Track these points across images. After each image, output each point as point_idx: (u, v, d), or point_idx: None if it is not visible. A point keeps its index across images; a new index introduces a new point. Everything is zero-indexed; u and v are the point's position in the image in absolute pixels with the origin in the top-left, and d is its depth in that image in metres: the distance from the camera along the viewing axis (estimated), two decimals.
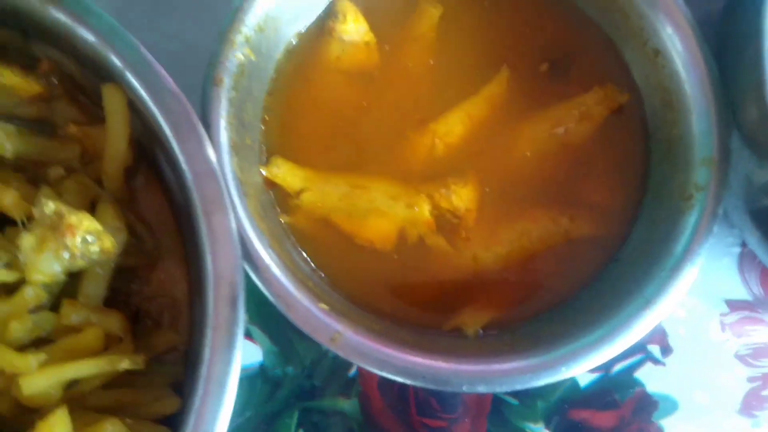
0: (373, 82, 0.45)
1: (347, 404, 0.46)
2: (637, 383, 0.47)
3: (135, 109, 0.38)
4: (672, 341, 0.48)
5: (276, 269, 0.37)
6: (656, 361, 0.48)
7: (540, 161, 0.44)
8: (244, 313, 0.35)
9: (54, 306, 0.36)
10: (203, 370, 0.32)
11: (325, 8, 0.46)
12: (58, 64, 0.41)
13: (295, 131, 0.44)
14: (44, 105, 0.41)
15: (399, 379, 0.36)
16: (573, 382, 0.47)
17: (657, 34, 0.43)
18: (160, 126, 0.37)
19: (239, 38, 0.41)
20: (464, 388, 0.36)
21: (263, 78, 0.44)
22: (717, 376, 0.48)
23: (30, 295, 0.34)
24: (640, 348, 0.48)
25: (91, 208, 0.38)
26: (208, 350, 0.33)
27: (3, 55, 0.40)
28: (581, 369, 0.37)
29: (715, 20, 0.46)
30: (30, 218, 0.35)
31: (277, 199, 0.43)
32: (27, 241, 0.34)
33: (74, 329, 0.35)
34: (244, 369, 0.46)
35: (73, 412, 0.32)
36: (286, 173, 0.43)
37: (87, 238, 0.35)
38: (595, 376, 0.47)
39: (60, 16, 0.37)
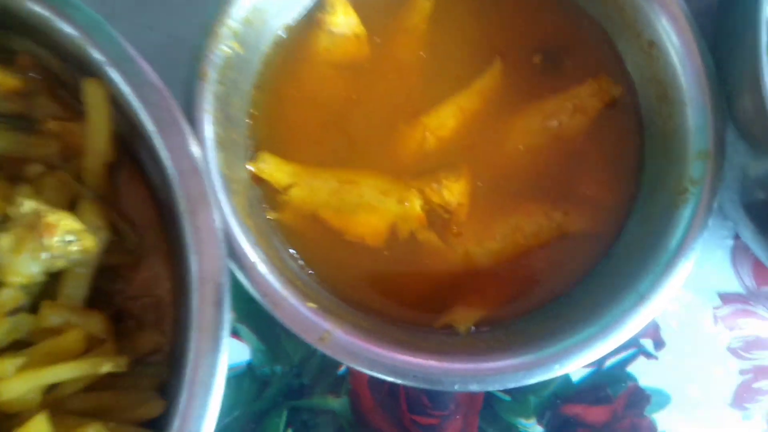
0: (363, 75, 0.44)
1: (337, 403, 0.45)
2: (629, 377, 0.47)
3: (117, 104, 0.37)
4: (665, 335, 0.48)
5: (263, 267, 0.37)
6: (649, 355, 0.47)
7: (533, 155, 0.43)
8: (231, 312, 0.34)
9: (33, 307, 0.35)
10: (188, 374, 0.32)
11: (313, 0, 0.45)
12: (37, 58, 0.39)
13: (283, 125, 0.43)
14: (23, 100, 0.40)
15: (389, 379, 0.36)
16: (565, 377, 0.47)
17: (651, 25, 0.42)
18: (142, 122, 0.35)
19: (226, 31, 0.40)
20: (456, 387, 0.36)
21: (250, 71, 0.43)
22: (709, 370, 0.48)
23: (7, 297, 0.33)
24: (632, 342, 0.48)
25: (72, 206, 0.37)
26: (193, 353, 0.32)
27: None
28: (575, 366, 0.36)
29: (712, 11, 0.45)
30: (7, 217, 0.34)
31: (264, 196, 0.42)
32: (4, 241, 0.33)
33: (54, 331, 0.34)
34: (231, 368, 0.45)
35: (53, 417, 0.31)
36: (273, 168, 0.42)
37: (67, 237, 0.34)
38: (587, 370, 0.47)
39: (38, 9, 0.36)
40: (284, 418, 0.45)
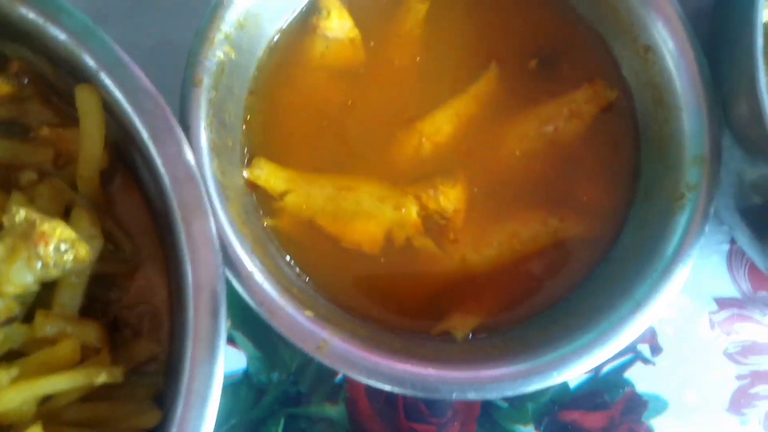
0: (358, 79, 0.44)
1: (334, 410, 0.45)
2: (626, 383, 0.47)
3: (110, 110, 0.36)
4: (661, 340, 0.48)
5: (259, 276, 0.36)
6: (646, 361, 0.47)
7: (529, 160, 0.43)
8: (226, 320, 0.34)
9: (27, 317, 0.34)
10: (184, 384, 0.31)
11: (308, 3, 0.44)
12: (30, 64, 0.39)
13: (278, 131, 0.43)
14: (15, 106, 0.39)
15: (387, 388, 0.35)
16: (562, 383, 0.47)
17: (647, 30, 0.42)
18: (136, 128, 0.35)
19: (219, 36, 0.39)
20: (454, 396, 0.35)
21: (244, 76, 0.42)
22: (706, 375, 0.48)
23: (1, 307, 0.33)
24: (629, 348, 0.47)
25: (66, 214, 0.37)
26: (189, 363, 0.31)
27: None
28: (573, 374, 0.36)
29: (707, 15, 0.45)
30: (0, 226, 0.33)
31: (260, 202, 0.42)
32: None
33: (49, 341, 0.34)
34: (227, 376, 0.45)
35: (48, 428, 0.31)
36: (269, 175, 0.42)
37: (61, 246, 0.33)
38: (584, 377, 0.47)
39: (29, 15, 0.35)
40: (281, 426, 0.45)
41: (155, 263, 0.40)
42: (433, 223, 0.42)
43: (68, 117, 0.39)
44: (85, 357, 0.35)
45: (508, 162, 0.43)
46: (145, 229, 0.40)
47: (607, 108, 0.44)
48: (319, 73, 0.44)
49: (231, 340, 0.45)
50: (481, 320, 0.41)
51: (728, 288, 0.49)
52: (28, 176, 0.37)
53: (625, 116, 0.44)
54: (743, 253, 0.49)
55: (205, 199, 0.34)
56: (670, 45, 0.41)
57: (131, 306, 0.39)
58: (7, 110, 0.39)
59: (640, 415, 0.47)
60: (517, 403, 0.46)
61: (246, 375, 0.45)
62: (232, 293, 0.35)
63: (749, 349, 0.48)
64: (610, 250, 0.42)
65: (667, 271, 0.38)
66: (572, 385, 0.47)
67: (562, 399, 0.46)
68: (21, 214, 0.33)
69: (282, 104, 0.43)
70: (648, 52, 0.42)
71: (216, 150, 0.38)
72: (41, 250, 0.33)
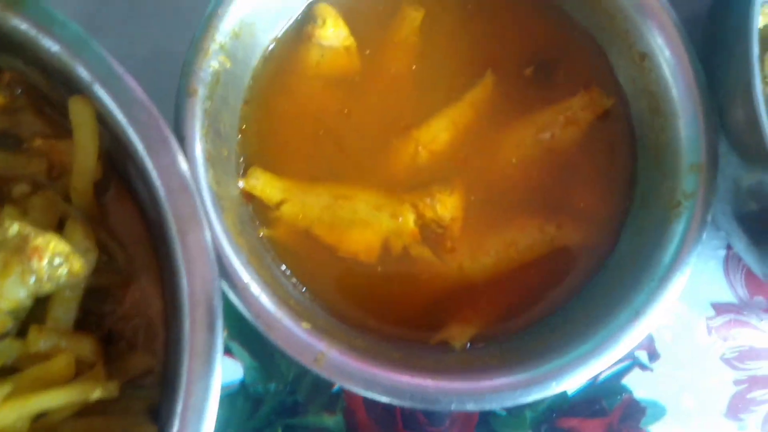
0: (354, 88, 0.44)
1: (332, 420, 0.45)
2: (624, 390, 0.47)
3: (104, 121, 0.36)
4: (659, 346, 0.48)
5: (255, 288, 0.36)
6: (644, 367, 0.47)
7: (526, 168, 0.43)
8: (223, 332, 0.33)
9: (20, 332, 0.34)
10: (180, 399, 0.31)
11: (303, 12, 0.44)
12: (22, 75, 0.39)
13: (274, 140, 0.43)
14: (8, 117, 0.39)
15: (386, 400, 0.35)
16: None
17: (643, 37, 0.42)
18: (130, 140, 0.35)
19: (213, 46, 0.39)
20: (453, 407, 0.35)
21: (239, 86, 0.42)
22: (704, 380, 0.48)
23: None
24: (627, 354, 0.47)
25: (59, 226, 0.36)
26: (185, 378, 0.31)
27: None
28: (572, 383, 0.36)
29: (702, 20, 0.45)
30: None
31: (256, 213, 0.41)
32: None
33: (43, 356, 0.33)
34: (224, 387, 0.44)
35: None
36: (264, 184, 0.41)
37: (54, 260, 0.33)
38: (582, 383, 0.47)
39: (21, 26, 0.35)
40: None
41: (150, 274, 0.39)
42: (430, 232, 0.42)
43: (61, 128, 0.39)
44: (80, 371, 0.34)
45: (504, 169, 0.43)
46: (139, 239, 0.40)
47: (603, 115, 0.44)
48: (315, 81, 0.44)
49: (227, 351, 0.45)
50: (479, 329, 0.41)
51: (725, 293, 0.49)
52: (20, 188, 0.37)
53: (622, 123, 0.44)
54: (740, 259, 0.49)
55: (200, 210, 0.34)
56: (665, 52, 0.41)
57: (126, 318, 0.38)
58: None
59: (638, 422, 0.47)
60: (515, 411, 0.46)
61: (243, 385, 0.45)
62: (227, 303, 0.35)
63: (746, 354, 0.48)
64: (608, 258, 0.42)
65: (664, 279, 0.38)
66: (570, 392, 0.47)
67: (560, 406, 0.46)
68: (14, 227, 0.33)
69: (277, 113, 0.43)
70: (644, 59, 0.42)
71: (211, 160, 0.38)
72: (35, 264, 0.33)
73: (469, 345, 0.40)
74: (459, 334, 0.40)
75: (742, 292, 0.49)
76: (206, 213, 0.36)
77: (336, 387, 0.45)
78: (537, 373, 0.36)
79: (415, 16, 0.45)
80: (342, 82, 0.44)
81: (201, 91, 0.38)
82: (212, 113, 0.39)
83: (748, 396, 0.48)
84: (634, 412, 0.47)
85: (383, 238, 0.42)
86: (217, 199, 0.37)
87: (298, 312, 0.37)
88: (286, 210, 0.41)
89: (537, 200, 0.43)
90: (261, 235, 0.41)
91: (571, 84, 0.44)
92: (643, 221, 0.41)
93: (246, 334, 0.45)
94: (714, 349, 0.48)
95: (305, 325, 0.36)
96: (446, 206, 0.42)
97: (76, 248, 0.34)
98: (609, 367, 0.46)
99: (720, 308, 0.49)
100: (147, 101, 0.35)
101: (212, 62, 0.39)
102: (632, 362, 0.47)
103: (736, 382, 0.48)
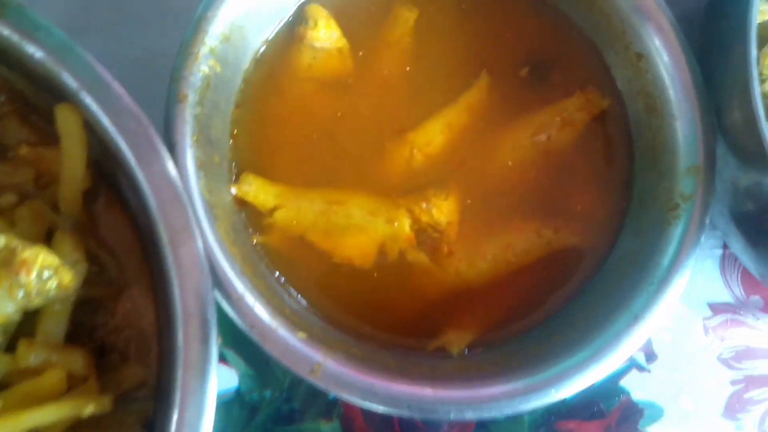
0: (347, 90, 0.43)
1: (329, 427, 0.44)
2: (622, 391, 0.47)
3: (92, 129, 0.35)
4: (656, 347, 0.48)
5: (250, 298, 0.35)
6: (641, 368, 0.47)
7: (522, 170, 0.43)
8: (217, 342, 0.33)
9: (9, 346, 0.33)
10: (174, 414, 0.30)
11: (294, 13, 0.43)
12: (6, 81, 0.38)
13: (266, 145, 0.42)
14: None
15: (383, 410, 0.35)
16: None
17: (639, 37, 0.41)
18: (119, 149, 0.34)
19: (203, 50, 0.38)
20: (452, 416, 0.35)
21: (230, 90, 0.41)
22: (701, 381, 0.48)
23: None
24: None
25: (48, 236, 0.36)
26: (179, 392, 0.31)
27: None
28: (571, 390, 0.36)
29: (699, 19, 0.44)
30: None
31: (249, 219, 0.41)
32: None
33: (33, 371, 0.33)
34: (219, 395, 0.44)
35: None
36: (257, 190, 0.41)
37: (43, 273, 0.32)
38: None
39: (4, 32, 0.34)
40: None
41: (141, 284, 0.39)
42: (426, 237, 0.41)
43: (48, 135, 0.38)
44: (72, 385, 0.34)
45: (501, 172, 0.43)
46: (129, 248, 0.39)
47: (599, 116, 0.43)
48: (307, 84, 0.43)
49: (222, 358, 0.44)
50: (477, 335, 0.40)
51: (722, 293, 0.49)
52: (7, 199, 0.36)
53: (618, 124, 0.43)
54: (736, 258, 0.49)
55: (193, 221, 0.33)
56: (662, 53, 0.41)
57: (118, 329, 0.37)
58: None
59: (636, 423, 0.46)
60: (513, 414, 0.46)
61: (238, 393, 0.44)
62: (220, 310, 0.34)
63: (743, 354, 0.48)
64: (606, 261, 0.41)
65: (663, 282, 0.38)
66: None
67: (558, 409, 0.46)
68: (1, 240, 0.32)
69: (270, 117, 0.42)
70: (640, 59, 0.42)
71: (203, 168, 0.37)
72: (23, 278, 0.32)
73: (466, 351, 0.40)
74: (456, 340, 0.40)
75: (739, 291, 0.49)
76: (199, 223, 0.35)
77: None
78: (536, 380, 0.36)
79: (408, 17, 0.44)
80: (335, 84, 0.43)
81: (191, 97, 0.38)
82: (203, 119, 0.38)
83: (745, 396, 0.48)
84: (632, 413, 0.46)
85: (379, 244, 0.41)
86: (210, 207, 0.37)
87: (293, 321, 0.36)
88: (280, 216, 0.41)
89: (534, 203, 0.42)
90: (255, 243, 0.40)
91: (566, 84, 0.44)
92: (641, 223, 0.41)
93: (240, 342, 0.44)
94: (711, 350, 0.48)
95: (301, 335, 0.35)
96: (442, 210, 0.41)
97: (65, 260, 0.33)
98: None
99: (717, 308, 0.49)
100: (136, 108, 0.34)
101: (202, 67, 0.38)
102: (630, 364, 0.47)
103: (733, 382, 0.48)
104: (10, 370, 0.33)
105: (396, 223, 0.41)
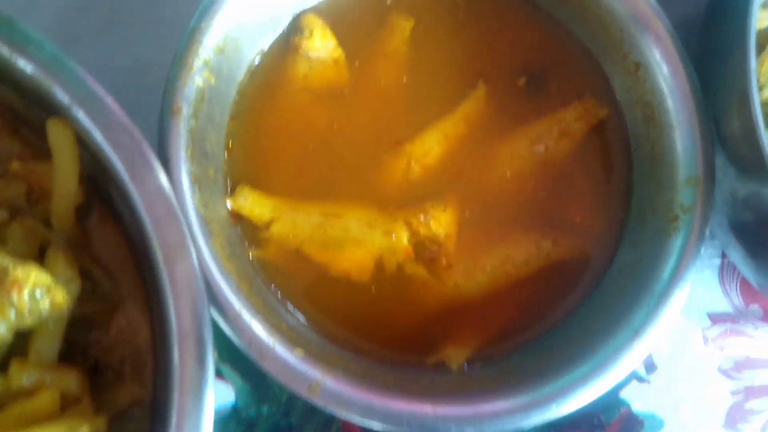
0: (343, 101, 0.43)
1: None
2: (622, 403, 0.46)
3: (84, 144, 0.34)
4: (656, 357, 0.47)
5: (246, 315, 0.35)
6: (641, 379, 0.47)
7: (520, 181, 0.42)
8: (213, 361, 0.32)
9: (1, 367, 0.32)
10: None
11: (289, 24, 0.43)
12: None
13: (262, 157, 0.42)
14: None
15: (383, 427, 0.34)
16: None
17: (637, 46, 0.41)
18: (112, 164, 0.33)
19: (197, 62, 0.38)
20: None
21: (225, 102, 0.41)
22: (701, 391, 0.47)
23: None
24: None
25: (40, 253, 0.35)
26: (175, 414, 0.30)
27: None
28: (573, 406, 0.35)
29: (696, 26, 0.44)
30: None
31: (245, 233, 0.40)
32: None
33: (26, 392, 0.32)
34: (215, 412, 0.43)
35: None
36: (253, 203, 0.40)
37: (36, 292, 0.31)
38: None
39: None
40: None
41: (135, 299, 0.38)
42: (424, 249, 0.41)
43: (39, 150, 0.37)
44: (66, 406, 0.33)
45: (499, 183, 0.42)
46: (123, 263, 0.38)
47: (597, 126, 0.43)
48: (303, 95, 0.43)
49: (218, 373, 0.44)
50: (476, 349, 0.40)
51: (721, 303, 0.49)
52: None
53: (617, 135, 0.43)
54: (735, 267, 0.49)
55: (188, 239, 0.32)
56: (660, 62, 0.41)
57: (112, 347, 0.37)
58: None
59: None
60: None
61: (235, 409, 0.44)
62: (217, 326, 0.34)
63: (743, 364, 0.48)
64: (605, 274, 0.41)
65: (664, 295, 0.37)
66: None
67: (559, 421, 0.45)
68: None
69: (265, 129, 0.42)
70: (638, 69, 0.41)
71: (197, 182, 0.37)
72: (15, 297, 0.31)
73: (466, 366, 0.39)
74: (455, 355, 0.39)
75: (738, 301, 0.49)
76: (194, 239, 0.35)
77: None
78: (537, 395, 0.35)
79: (405, 26, 0.44)
80: (331, 95, 0.43)
81: (185, 110, 0.37)
82: (198, 132, 0.38)
83: (746, 406, 0.47)
84: (632, 425, 0.46)
85: (376, 257, 0.41)
86: (205, 222, 0.36)
87: (291, 338, 0.36)
88: (276, 229, 0.40)
89: (532, 214, 0.42)
90: (251, 257, 0.40)
91: (564, 94, 0.43)
92: (640, 235, 0.41)
93: (237, 357, 0.44)
94: (711, 360, 0.48)
95: (298, 352, 0.35)
96: (440, 223, 0.41)
97: (58, 278, 0.33)
98: None
99: (716, 318, 0.48)
100: (129, 123, 0.34)
101: (196, 79, 0.38)
102: (630, 375, 0.47)
103: (734, 393, 0.47)
104: (2, 391, 0.32)
105: (393, 236, 0.40)
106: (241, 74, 0.42)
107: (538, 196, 0.42)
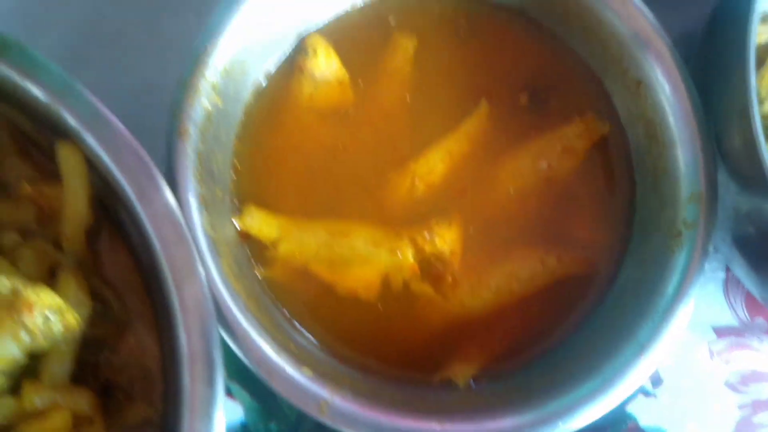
0: (348, 121, 0.43)
1: None
2: (629, 418, 0.46)
3: (93, 167, 0.35)
4: (662, 371, 0.47)
5: (255, 335, 0.35)
6: (647, 394, 0.47)
7: (524, 198, 0.43)
8: (223, 383, 0.32)
9: (14, 388, 0.33)
10: None
11: (294, 46, 0.43)
12: (7, 119, 0.38)
13: (268, 177, 0.42)
14: None
15: None
16: None
17: (638, 64, 0.42)
18: (121, 187, 0.34)
19: (204, 85, 0.38)
20: None
21: (231, 123, 0.41)
22: (708, 406, 0.47)
23: None
24: None
25: (51, 275, 0.35)
26: None
27: None
28: (580, 423, 0.36)
29: (696, 41, 0.45)
30: None
31: (252, 253, 0.41)
32: None
33: (39, 413, 0.32)
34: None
35: None
36: (260, 223, 0.41)
37: (48, 315, 0.32)
38: None
39: (4, 70, 0.34)
40: None
41: (144, 320, 0.38)
42: (430, 267, 0.41)
43: (49, 172, 0.38)
44: (78, 426, 0.33)
45: (502, 200, 0.43)
46: (133, 285, 0.39)
47: (600, 143, 0.43)
48: (308, 115, 0.43)
49: (227, 392, 0.44)
50: (482, 366, 0.40)
51: (726, 316, 0.49)
52: (10, 238, 0.36)
53: (619, 152, 0.44)
54: (739, 281, 0.49)
55: (198, 261, 0.33)
56: (661, 79, 0.41)
57: (122, 368, 0.37)
58: None
59: None
60: None
61: (244, 427, 0.44)
62: (225, 343, 0.34)
63: (749, 378, 0.48)
64: (610, 289, 0.41)
65: (669, 311, 0.37)
66: None
67: None
68: (5, 283, 0.32)
69: (271, 149, 0.42)
70: (639, 86, 0.42)
71: (205, 203, 0.37)
72: (27, 320, 0.31)
73: (473, 383, 0.40)
74: (462, 372, 0.40)
75: (743, 314, 0.49)
76: (203, 260, 0.35)
77: None
78: (543, 412, 0.35)
79: (408, 46, 0.44)
80: (336, 114, 0.43)
81: (192, 132, 0.38)
82: (205, 154, 0.38)
83: (754, 420, 0.47)
84: None
85: (382, 275, 0.41)
86: (213, 243, 0.36)
87: (299, 357, 0.36)
88: (283, 248, 0.41)
89: (536, 231, 0.42)
90: (258, 277, 0.40)
91: (566, 111, 0.44)
92: (644, 251, 0.41)
93: (245, 375, 0.44)
94: (717, 374, 0.48)
95: (306, 371, 0.35)
96: (445, 240, 0.41)
97: (69, 300, 0.33)
98: None
99: (721, 332, 0.48)
100: (136, 146, 0.34)
101: (203, 101, 0.38)
102: (636, 390, 0.47)
103: (741, 407, 0.47)
104: (15, 413, 0.32)
105: (399, 253, 0.41)
106: (247, 95, 0.42)
107: (542, 213, 0.43)
